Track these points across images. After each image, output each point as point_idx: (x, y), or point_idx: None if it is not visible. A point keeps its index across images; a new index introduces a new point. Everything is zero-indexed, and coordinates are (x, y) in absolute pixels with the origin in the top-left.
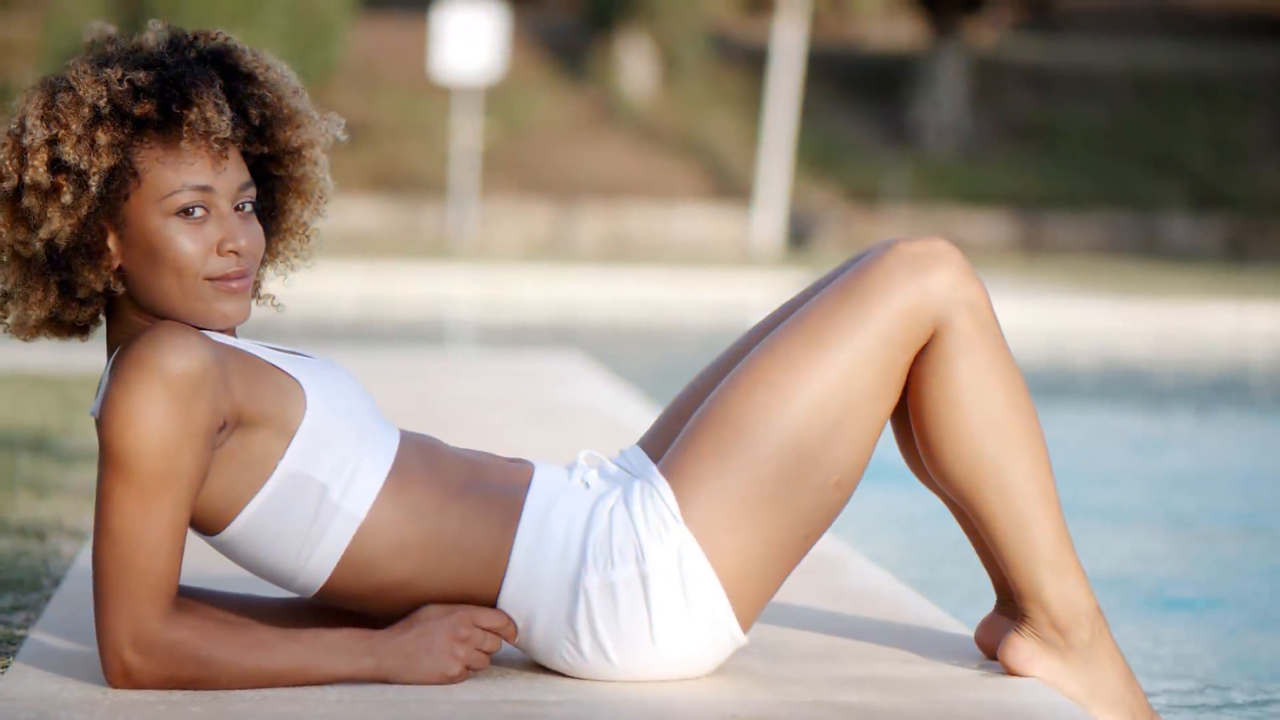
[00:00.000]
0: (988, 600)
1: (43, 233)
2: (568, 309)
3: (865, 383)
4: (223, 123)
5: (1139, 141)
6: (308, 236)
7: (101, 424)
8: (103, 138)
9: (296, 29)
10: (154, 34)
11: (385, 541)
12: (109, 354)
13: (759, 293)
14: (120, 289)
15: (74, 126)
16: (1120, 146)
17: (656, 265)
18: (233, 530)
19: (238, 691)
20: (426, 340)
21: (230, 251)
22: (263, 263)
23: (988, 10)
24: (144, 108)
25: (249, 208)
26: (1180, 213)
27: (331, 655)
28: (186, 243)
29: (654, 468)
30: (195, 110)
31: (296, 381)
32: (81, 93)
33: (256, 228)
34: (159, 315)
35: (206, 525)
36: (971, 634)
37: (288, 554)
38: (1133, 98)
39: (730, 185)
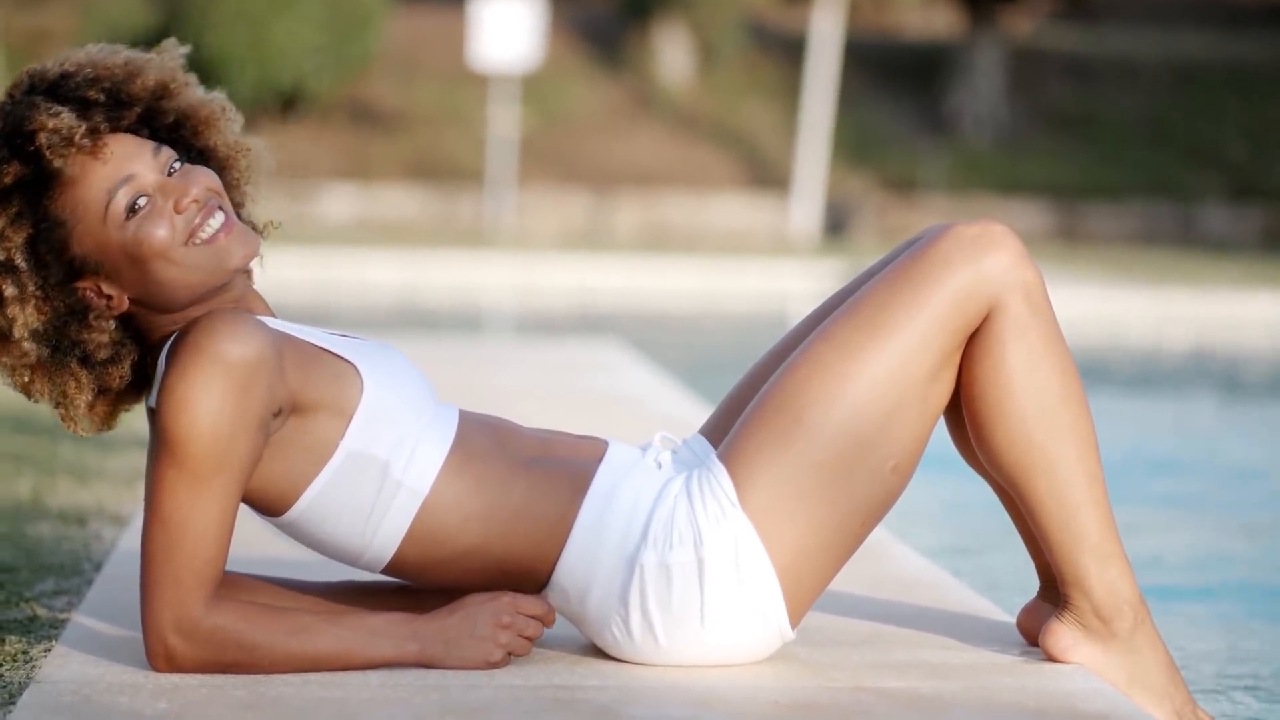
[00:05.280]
0: (1031, 586)
1: (19, 333)
2: (604, 298)
3: (922, 367)
4: (68, 119)
5: (1177, 131)
6: (248, 149)
7: (158, 409)
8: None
9: (334, 18)
10: None
11: (450, 514)
12: (157, 351)
13: (796, 282)
14: (125, 306)
15: None
16: (1158, 136)
17: (693, 254)
18: (297, 511)
19: (280, 675)
20: (463, 328)
21: (191, 203)
22: (236, 205)
23: None
24: (10, 173)
25: (179, 164)
26: (1218, 202)
27: (375, 640)
28: (153, 230)
29: (714, 454)
30: (41, 135)
31: (352, 364)
32: None
33: (199, 170)
34: (182, 306)
35: (270, 508)
36: (1014, 620)
37: (353, 531)
38: (1170, 87)
39: (767, 174)
